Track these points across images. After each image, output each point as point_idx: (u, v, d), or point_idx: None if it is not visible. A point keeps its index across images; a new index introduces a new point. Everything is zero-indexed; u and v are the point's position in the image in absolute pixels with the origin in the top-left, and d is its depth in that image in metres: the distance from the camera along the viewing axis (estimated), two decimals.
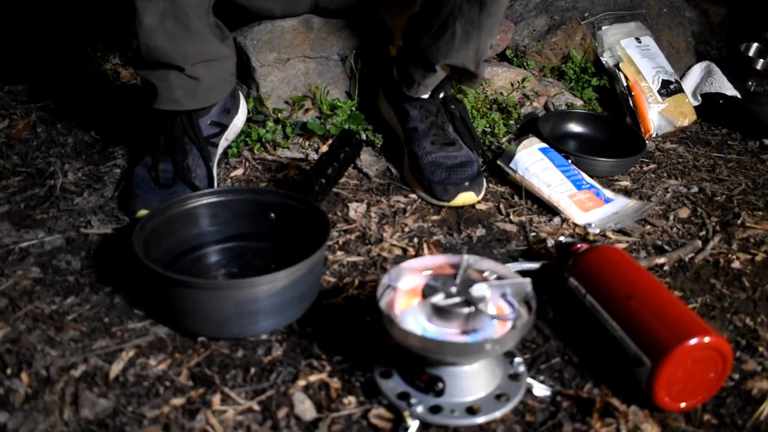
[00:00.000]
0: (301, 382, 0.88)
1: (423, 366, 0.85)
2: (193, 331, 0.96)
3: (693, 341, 0.83)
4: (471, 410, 0.83)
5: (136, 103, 1.70)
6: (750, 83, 1.91)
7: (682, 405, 0.86)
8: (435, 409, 0.83)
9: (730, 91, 1.91)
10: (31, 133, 1.61)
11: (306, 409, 0.84)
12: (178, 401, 0.85)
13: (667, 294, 0.93)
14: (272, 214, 1.12)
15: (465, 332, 0.83)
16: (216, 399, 0.85)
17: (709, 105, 1.93)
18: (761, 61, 2.00)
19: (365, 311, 1.03)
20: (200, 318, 0.93)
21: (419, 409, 0.82)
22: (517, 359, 0.91)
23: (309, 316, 1.01)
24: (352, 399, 0.87)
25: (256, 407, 0.85)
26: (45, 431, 0.80)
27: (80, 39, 2.12)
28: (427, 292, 0.86)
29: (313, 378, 0.89)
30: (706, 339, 0.83)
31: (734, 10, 3.04)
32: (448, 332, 0.83)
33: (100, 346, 0.93)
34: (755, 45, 2.07)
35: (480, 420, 0.82)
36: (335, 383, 0.89)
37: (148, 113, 1.31)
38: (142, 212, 1.21)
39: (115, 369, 0.89)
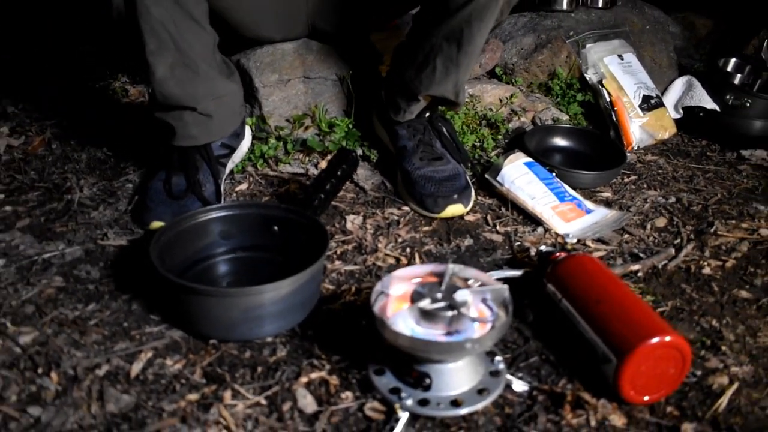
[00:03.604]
0: (303, 379, 0.97)
1: (412, 364, 0.94)
2: (205, 334, 1.05)
3: (654, 340, 0.92)
4: (455, 403, 0.92)
5: (145, 120, 1.79)
6: (728, 97, 1.97)
7: (646, 398, 0.95)
8: (423, 402, 0.92)
9: (710, 104, 1.98)
10: (47, 149, 1.70)
11: (308, 403, 0.94)
12: (193, 397, 0.94)
13: (633, 298, 1.02)
14: (275, 227, 1.21)
15: (449, 333, 0.92)
16: (227, 394, 0.94)
17: (690, 117, 2.02)
18: (739, 75, 2.08)
19: (361, 315, 1.12)
20: (211, 322, 1.02)
21: (409, 402, 0.91)
22: (498, 358, 1.00)
23: (310, 321, 1.10)
24: (349, 394, 0.96)
25: (263, 402, 0.94)
26: (75, 423, 0.89)
27: (90, 58, 2.21)
28: (416, 297, 0.95)
29: (314, 375, 0.98)
30: (667, 338, 0.93)
31: (720, 22, 3.12)
32: (434, 333, 0.92)
33: (120, 348, 1.03)
34: (733, 60, 2.14)
35: (463, 411, 0.91)
36: (334, 380, 0.98)
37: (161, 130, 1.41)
38: (155, 224, 1.30)
39: (136, 368, 0.99)
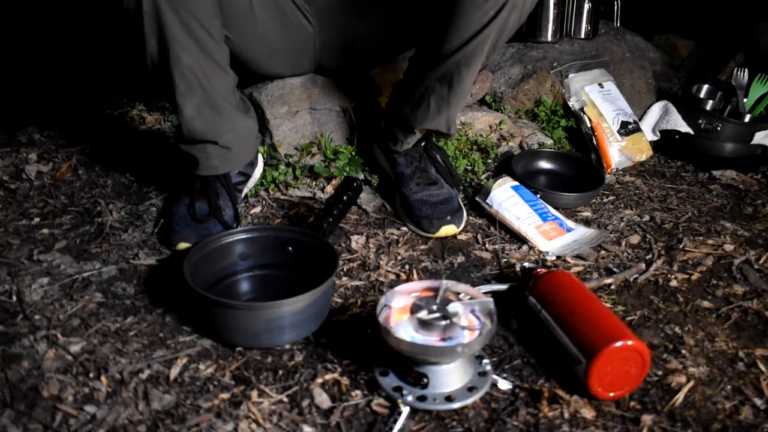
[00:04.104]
0: (319, 380, 1.13)
1: (412, 366, 1.10)
2: (232, 343, 1.20)
3: (618, 344, 1.07)
4: (449, 399, 1.07)
5: (162, 147, 1.95)
6: (701, 121, 2.12)
7: (611, 394, 1.10)
8: (421, 398, 1.07)
9: (684, 128, 2.13)
10: (74, 175, 1.83)
11: (323, 400, 1.09)
12: (224, 396, 1.09)
13: (602, 308, 1.18)
14: (290, 248, 1.36)
15: (443, 339, 1.07)
16: (254, 394, 1.10)
17: (667, 140, 2.16)
18: (711, 101, 2.22)
19: (366, 325, 1.27)
20: (238, 332, 1.18)
21: (409, 398, 1.06)
22: (485, 360, 1.15)
23: (322, 330, 1.25)
24: (358, 392, 1.11)
25: (285, 399, 1.09)
26: (126, 419, 1.04)
27: (108, 87, 2.36)
28: (415, 309, 1.11)
29: (327, 377, 1.14)
30: (629, 342, 1.08)
31: (701, 43, 3.28)
32: (431, 339, 1.08)
33: (159, 355, 1.18)
34: (705, 87, 2.28)
35: (455, 406, 1.06)
36: (345, 380, 1.13)
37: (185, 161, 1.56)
38: (182, 245, 1.45)
39: (174, 372, 1.14)
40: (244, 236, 1.36)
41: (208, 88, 1.41)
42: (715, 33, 3.29)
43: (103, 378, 1.12)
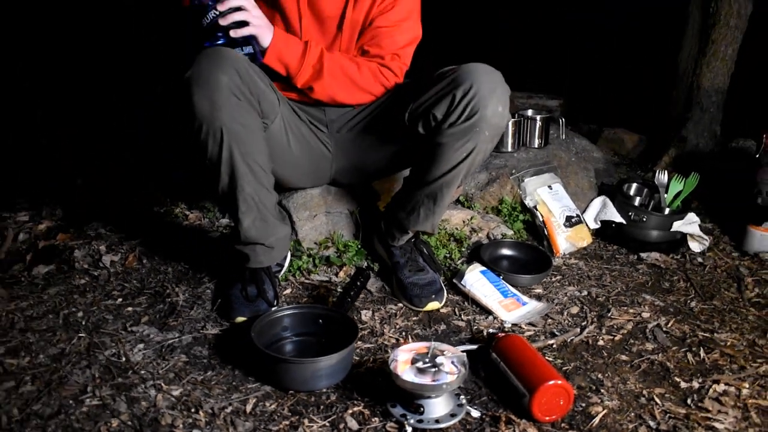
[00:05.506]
0: (349, 411, 1.62)
1: (412, 399, 1.58)
2: (286, 387, 1.68)
3: (550, 383, 1.58)
4: (437, 421, 1.56)
5: (204, 241, 2.42)
6: (631, 213, 2.60)
7: (547, 418, 1.60)
8: (419, 421, 1.55)
9: (618, 218, 2.61)
10: (139, 263, 2.29)
11: (354, 425, 1.57)
12: (286, 422, 1.58)
13: (541, 360, 1.69)
14: (320, 320, 1.86)
15: (434, 380, 1.57)
16: (306, 421, 1.58)
17: (605, 228, 2.66)
18: (638, 198, 2.74)
19: (378, 375, 1.75)
20: (291, 380, 1.66)
21: (412, 421, 1.54)
22: (462, 396, 1.64)
23: (348, 378, 1.72)
24: (376, 419, 1.60)
25: (328, 425, 1.58)
26: None
27: (153, 187, 2.84)
28: (414, 361, 1.61)
29: (355, 409, 1.63)
30: (558, 382, 1.59)
31: (645, 136, 3.83)
32: (425, 380, 1.57)
33: (235, 397, 1.67)
34: (634, 185, 2.79)
35: (442, 426, 1.55)
36: (367, 411, 1.62)
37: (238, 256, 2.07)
38: (239, 319, 1.95)
39: (248, 408, 1.62)
40: (287, 313, 1.86)
41: (261, 207, 1.94)
42: (655, 128, 3.84)
43: (200, 412, 1.61)
